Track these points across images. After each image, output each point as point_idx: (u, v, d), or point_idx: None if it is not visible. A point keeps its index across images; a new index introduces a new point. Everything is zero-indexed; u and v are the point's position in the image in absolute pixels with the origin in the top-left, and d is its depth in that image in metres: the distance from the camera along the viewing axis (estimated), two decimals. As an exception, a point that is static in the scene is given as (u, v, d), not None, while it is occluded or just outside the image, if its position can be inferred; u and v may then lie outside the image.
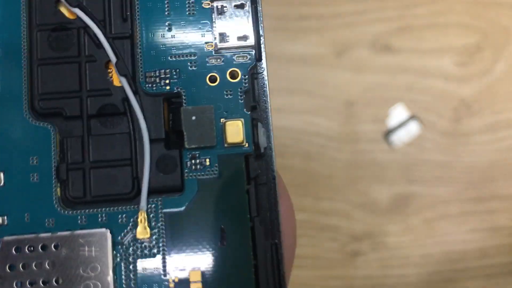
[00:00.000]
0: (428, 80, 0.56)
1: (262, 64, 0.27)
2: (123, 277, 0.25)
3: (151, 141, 0.26)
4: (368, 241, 0.56)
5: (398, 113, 0.55)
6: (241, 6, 0.27)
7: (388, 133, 0.55)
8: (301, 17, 0.57)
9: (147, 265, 0.25)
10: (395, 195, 0.56)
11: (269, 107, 0.27)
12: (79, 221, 0.25)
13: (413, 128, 0.55)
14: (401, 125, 0.55)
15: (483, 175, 0.55)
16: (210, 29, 0.27)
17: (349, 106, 0.56)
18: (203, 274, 0.25)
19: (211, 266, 0.25)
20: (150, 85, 0.26)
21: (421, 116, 0.55)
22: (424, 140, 0.56)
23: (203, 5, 0.27)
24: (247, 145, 0.26)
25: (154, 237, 0.25)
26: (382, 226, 0.57)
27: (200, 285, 0.25)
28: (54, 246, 0.25)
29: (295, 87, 0.59)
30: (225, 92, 0.26)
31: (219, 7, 0.27)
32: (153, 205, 0.26)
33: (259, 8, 0.27)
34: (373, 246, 0.56)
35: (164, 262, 0.25)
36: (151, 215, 0.25)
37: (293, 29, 0.58)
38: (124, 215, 0.25)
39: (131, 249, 0.25)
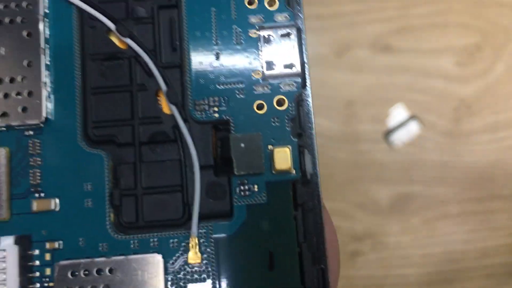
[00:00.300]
0: (428, 80, 0.56)
1: (307, 91, 0.27)
2: (174, 300, 0.26)
3: (201, 168, 0.26)
4: (368, 241, 0.56)
5: (398, 113, 0.55)
6: (287, 35, 0.27)
7: (388, 133, 0.55)
8: (300, 17, 0.57)
9: (198, 289, 0.26)
10: (395, 195, 0.56)
11: (314, 134, 0.27)
12: (131, 246, 0.26)
13: (413, 128, 0.55)
14: (401, 125, 0.55)
15: (483, 175, 0.55)
16: (257, 58, 0.27)
17: (349, 106, 0.56)
18: (252, 298, 0.26)
19: (260, 290, 0.26)
20: (199, 112, 0.27)
21: (421, 116, 0.55)
22: (424, 140, 0.55)
23: (250, 34, 0.27)
24: (294, 172, 0.26)
25: (204, 261, 0.26)
26: (382, 226, 0.57)
27: (249, 309, 0.25)
28: (109, 270, 0.25)
29: (294, 87, 0.59)
30: (272, 119, 0.27)
31: (266, 36, 0.27)
32: (203, 231, 0.26)
33: (303, 37, 0.28)
34: (373, 246, 0.56)
35: (214, 286, 0.26)
36: (201, 240, 0.26)
37: (293, 28, 0.58)
38: (175, 240, 0.26)
39: (182, 273, 0.26)
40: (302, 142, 0.27)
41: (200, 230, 0.26)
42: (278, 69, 0.27)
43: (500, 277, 0.55)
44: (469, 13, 0.56)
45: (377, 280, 0.55)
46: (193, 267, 0.26)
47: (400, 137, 0.54)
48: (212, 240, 0.26)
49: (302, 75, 0.27)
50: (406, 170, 0.55)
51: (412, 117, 0.54)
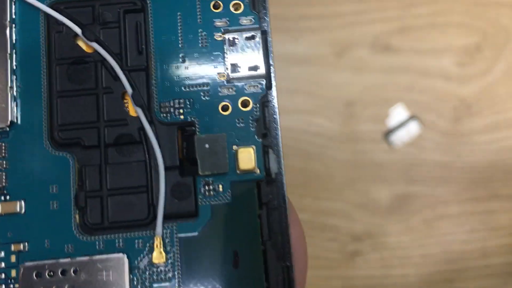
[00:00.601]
0: (428, 80, 0.56)
1: (272, 92, 0.28)
2: (140, 301, 0.25)
3: (166, 168, 0.27)
4: (368, 241, 0.56)
5: (398, 113, 0.55)
6: (251, 38, 0.28)
7: (388, 133, 0.55)
8: (301, 17, 0.57)
9: (163, 289, 0.26)
10: (395, 195, 0.56)
11: (279, 134, 0.28)
12: (97, 247, 0.26)
13: (413, 128, 0.55)
14: (401, 125, 0.55)
15: (483, 175, 0.55)
16: (222, 60, 0.28)
17: (349, 106, 0.56)
18: (217, 297, 0.25)
19: (225, 289, 0.26)
20: (164, 114, 0.27)
21: (421, 116, 0.55)
22: (424, 140, 0.55)
23: (215, 37, 0.28)
24: (258, 171, 0.27)
25: (169, 261, 0.26)
26: (382, 226, 0.56)
27: (214, 308, 0.25)
28: (73, 271, 0.25)
29: (295, 87, 0.59)
30: (237, 120, 0.27)
31: (231, 39, 0.28)
32: (168, 230, 0.26)
33: (269, 39, 0.28)
34: (373, 246, 0.56)
35: (179, 286, 0.26)
36: (166, 240, 0.26)
37: (293, 29, 0.58)
38: (140, 240, 0.26)
39: (147, 273, 0.26)
40: (267, 142, 0.27)
41: (165, 230, 0.26)
42: (243, 71, 0.27)
43: (500, 277, 0.55)
44: (469, 13, 0.56)
45: (377, 280, 0.55)
46: (158, 267, 0.26)
47: (400, 137, 0.54)
48: (177, 240, 0.26)
49: (268, 76, 0.28)
50: (406, 170, 0.55)
51: (412, 117, 0.54)
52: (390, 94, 0.56)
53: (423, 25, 0.56)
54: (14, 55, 0.27)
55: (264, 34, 0.28)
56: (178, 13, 0.28)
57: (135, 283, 0.26)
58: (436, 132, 0.55)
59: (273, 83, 0.28)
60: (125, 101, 0.27)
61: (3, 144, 0.27)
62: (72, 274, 0.25)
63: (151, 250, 0.26)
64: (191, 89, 0.27)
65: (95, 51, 0.27)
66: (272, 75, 0.28)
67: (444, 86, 0.55)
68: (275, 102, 0.28)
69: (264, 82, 0.28)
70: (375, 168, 0.55)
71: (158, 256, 0.26)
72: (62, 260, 0.25)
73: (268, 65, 0.28)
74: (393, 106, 0.55)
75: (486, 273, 0.55)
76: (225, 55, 0.28)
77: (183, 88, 0.27)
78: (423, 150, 0.55)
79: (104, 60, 0.27)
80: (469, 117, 0.55)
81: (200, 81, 0.27)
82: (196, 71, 0.27)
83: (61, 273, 0.25)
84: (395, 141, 0.54)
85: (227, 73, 0.27)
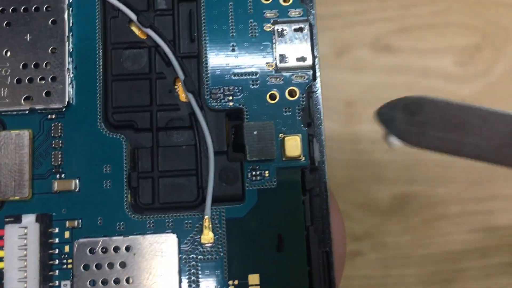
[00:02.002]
0: (428, 80, 0.55)
1: (317, 83, 0.28)
2: (187, 279, 0.26)
3: (215, 153, 0.27)
4: (368, 241, 0.56)
5: None
6: (299, 30, 0.28)
7: (388, 133, 0.54)
8: (300, 17, 0.56)
9: (210, 268, 0.26)
10: (395, 195, 0.55)
11: (323, 124, 0.28)
12: (147, 226, 0.26)
13: None
14: None
15: (483, 175, 0.55)
16: (271, 50, 0.28)
17: (349, 106, 0.55)
18: (261, 278, 0.26)
19: (268, 270, 0.26)
20: (214, 101, 0.27)
21: None
22: None
23: (264, 28, 0.28)
24: (303, 159, 0.27)
25: (216, 242, 0.26)
26: (382, 226, 0.56)
27: (258, 288, 0.26)
28: (125, 248, 0.26)
29: (294, 87, 0.58)
30: (284, 109, 0.27)
31: (280, 30, 0.28)
32: (216, 213, 0.26)
33: (315, 32, 0.28)
34: (373, 246, 0.56)
35: (225, 265, 0.26)
36: (214, 222, 0.26)
37: (293, 28, 0.58)
38: (189, 221, 0.26)
39: (195, 253, 0.26)
40: (311, 131, 0.27)
41: (213, 212, 0.26)
42: (291, 62, 0.27)
43: (500, 277, 0.55)
44: (469, 13, 0.55)
45: (377, 280, 0.55)
46: (205, 247, 0.26)
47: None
48: (224, 222, 0.26)
49: (313, 68, 0.28)
50: (406, 170, 0.54)
51: None
52: (390, 94, 0.55)
53: (423, 25, 0.56)
54: (71, 38, 0.27)
55: (311, 26, 0.28)
56: (230, 3, 0.28)
57: (183, 262, 0.26)
58: None
59: (318, 74, 0.28)
60: (176, 86, 0.28)
61: (60, 124, 0.27)
62: (124, 251, 0.26)
63: (200, 231, 0.26)
64: (241, 77, 0.27)
65: (149, 37, 0.27)
66: (317, 66, 0.28)
67: (444, 86, 0.55)
68: (319, 93, 0.28)
69: (310, 73, 0.28)
70: (375, 168, 0.55)
71: (207, 237, 0.26)
72: (115, 238, 0.26)
73: (314, 57, 0.28)
74: None
75: (486, 273, 0.55)
76: (274, 45, 0.28)
77: (232, 76, 0.27)
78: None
79: (157, 46, 0.27)
80: None
81: (249, 69, 0.27)
82: (246, 60, 0.27)
83: (113, 249, 0.26)
84: (395, 141, 0.54)
85: (276, 63, 0.27)
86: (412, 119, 0.23)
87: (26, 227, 0.26)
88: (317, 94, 0.28)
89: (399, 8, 0.55)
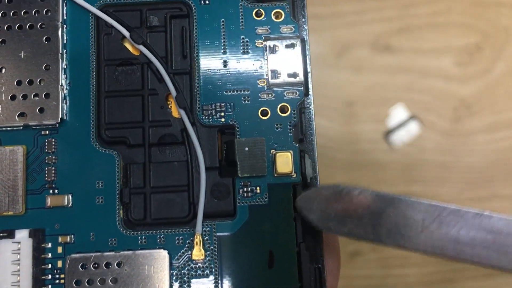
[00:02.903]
0: (428, 80, 0.54)
1: (309, 98, 0.27)
2: (178, 294, 0.25)
3: (206, 169, 0.26)
4: None
5: (398, 113, 0.54)
6: (291, 46, 0.27)
7: (388, 133, 0.54)
8: (300, 17, 0.56)
9: (201, 284, 0.26)
10: None
11: (315, 140, 0.27)
12: (139, 241, 0.26)
13: (413, 128, 0.54)
14: (401, 125, 0.54)
15: (482, 175, 0.54)
16: (263, 66, 0.27)
17: (349, 106, 0.55)
18: (252, 294, 0.25)
19: (259, 287, 0.26)
20: (206, 117, 0.27)
21: (421, 116, 0.54)
22: (424, 140, 0.54)
23: (256, 44, 0.27)
24: (295, 175, 0.26)
25: (207, 258, 0.26)
26: None
27: (249, 304, 0.25)
28: (117, 264, 0.25)
29: (295, 87, 0.58)
30: (275, 125, 0.27)
31: (271, 46, 0.27)
32: (207, 229, 0.26)
33: (307, 47, 0.28)
34: (373, 246, 0.55)
35: (216, 282, 0.26)
36: (205, 238, 0.26)
37: (293, 29, 0.57)
38: (180, 237, 0.26)
39: (186, 269, 0.26)
40: (303, 147, 0.27)
41: (204, 228, 0.26)
42: (283, 78, 0.27)
43: (500, 277, 0.54)
44: (469, 13, 0.55)
45: (377, 280, 0.54)
46: (197, 263, 0.26)
47: (400, 137, 0.53)
48: (215, 238, 0.26)
49: (305, 83, 0.27)
50: (406, 170, 0.53)
51: (412, 117, 0.53)
52: (390, 94, 0.54)
53: (423, 25, 0.55)
54: (64, 55, 0.27)
55: (303, 42, 0.28)
56: (222, 20, 0.28)
57: (174, 278, 0.26)
58: (436, 132, 0.54)
59: (310, 90, 0.27)
60: (168, 102, 0.27)
61: (53, 140, 0.27)
62: (116, 266, 0.25)
63: (191, 247, 0.26)
64: (233, 93, 0.27)
65: (142, 54, 0.27)
66: (310, 82, 0.27)
67: (444, 86, 0.54)
68: (311, 108, 0.27)
69: (301, 89, 0.27)
70: (375, 168, 0.54)
71: (198, 253, 0.26)
72: (106, 253, 0.25)
73: (306, 73, 0.27)
74: (393, 106, 0.54)
75: (486, 273, 0.54)
76: (266, 61, 0.27)
77: (224, 92, 0.27)
78: (423, 150, 0.54)
79: (150, 62, 0.27)
80: (469, 117, 0.54)
81: (241, 86, 0.27)
82: (238, 76, 0.27)
83: (105, 265, 0.25)
84: (395, 141, 0.53)
85: (267, 79, 0.27)
86: (331, 209, 0.23)
87: (19, 242, 0.26)
88: (309, 110, 0.27)
89: (399, 8, 0.55)
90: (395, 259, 0.54)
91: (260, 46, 0.27)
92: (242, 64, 0.27)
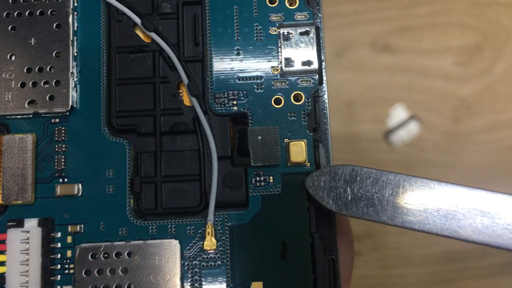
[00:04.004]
0: (428, 80, 0.53)
1: (323, 87, 0.26)
2: (189, 285, 0.24)
3: (219, 158, 0.25)
4: (368, 241, 0.54)
5: (398, 113, 0.53)
6: (306, 33, 0.26)
7: (388, 133, 0.53)
8: (300, 17, 0.55)
9: (212, 275, 0.25)
10: None
11: (329, 129, 0.26)
12: (150, 231, 0.25)
13: (413, 128, 0.53)
14: (401, 125, 0.53)
15: (483, 175, 0.53)
16: (276, 54, 0.26)
17: (349, 106, 0.54)
18: (264, 285, 0.25)
19: (272, 278, 0.25)
20: (218, 105, 0.26)
21: (421, 116, 0.53)
22: (424, 140, 0.53)
23: (270, 31, 0.26)
24: (308, 165, 0.25)
25: (219, 248, 0.25)
26: (382, 226, 0.55)
27: (262, 296, 0.24)
28: (127, 254, 0.24)
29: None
30: (289, 114, 0.26)
31: (285, 33, 0.26)
32: (219, 219, 0.25)
33: (321, 35, 0.27)
34: (373, 246, 0.54)
35: (227, 273, 0.25)
36: (217, 228, 0.25)
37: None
38: (192, 227, 0.25)
39: (197, 259, 0.25)
40: (317, 136, 0.26)
41: (216, 218, 0.25)
42: (296, 66, 0.26)
43: (500, 277, 0.53)
44: (469, 13, 0.54)
45: (377, 280, 0.53)
46: (208, 254, 0.25)
47: (400, 137, 0.53)
48: (227, 228, 0.25)
49: (319, 72, 0.26)
50: (406, 170, 0.53)
51: (412, 117, 0.53)
52: (390, 94, 0.54)
53: (423, 25, 0.54)
54: (75, 42, 0.26)
55: (318, 30, 0.27)
56: (235, 7, 0.27)
57: (185, 268, 0.25)
58: (436, 132, 0.53)
59: (324, 78, 0.26)
60: (180, 90, 0.26)
61: (63, 128, 0.26)
62: (126, 256, 0.24)
63: (202, 237, 0.25)
64: (245, 81, 0.26)
65: (153, 41, 0.26)
66: (324, 70, 0.26)
67: (444, 86, 0.53)
68: (325, 97, 0.26)
69: (316, 77, 0.26)
70: (375, 168, 0.54)
71: (209, 243, 0.25)
72: (117, 243, 0.25)
73: (320, 61, 0.26)
74: (393, 106, 0.53)
75: (486, 273, 0.53)
76: (279, 49, 0.26)
77: (237, 80, 0.26)
78: (423, 150, 0.53)
79: (161, 50, 0.26)
80: (469, 117, 0.53)
81: (254, 74, 0.26)
82: (251, 64, 0.26)
83: (115, 255, 0.24)
84: (395, 141, 0.52)
85: (281, 67, 0.26)
86: (342, 188, 0.22)
87: (28, 232, 0.25)
88: (323, 99, 0.26)
89: (399, 8, 0.54)
90: (395, 259, 0.54)
91: (274, 33, 0.26)
92: (255, 51, 0.26)
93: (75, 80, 0.26)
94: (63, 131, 0.26)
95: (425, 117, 0.53)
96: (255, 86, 0.26)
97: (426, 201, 0.23)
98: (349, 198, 0.23)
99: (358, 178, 0.23)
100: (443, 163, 0.53)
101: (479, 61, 0.54)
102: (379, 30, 0.54)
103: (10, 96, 0.26)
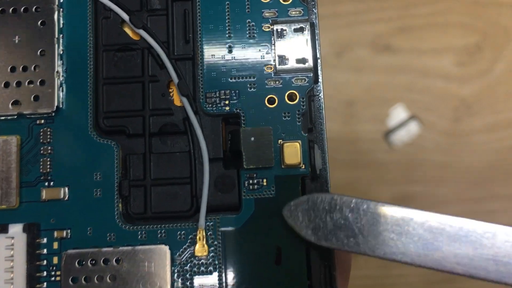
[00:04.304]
0: (428, 80, 0.53)
1: (319, 86, 0.25)
2: (180, 292, 0.24)
3: (210, 160, 0.24)
4: None
5: (398, 113, 0.53)
6: (300, 30, 0.25)
7: (388, 133, 0.52)
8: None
9: (204, 282, 0.24)
10: (395, 195, 0.53)
11: (325, 129, 0.25)
12: (139, 237, 0.24)
13: (413, 128, 0.52)
14: (401, 125, 0.52)
15: (483, 175, 0.52)
16: (270, 52, 0.25)
17: (349, 106, 0.53)
18: (258, 292, 0.23)
19: (266, 285, 0.24)
20: (210, 105, 0.25)
21: (421, 116, 0.52)
22: (424, 140, 0.53)
23: (263, 28, 0.25)
24: (303, 167, 0.24)
25: (211, 254, 0.24)
26: None
27: (255, 303, 0.23)
28: (116, 260, 0.23)
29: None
30: (283, 114, 0.25)
31: (279, 30, 0.25)
32: (211, 223, 0.24)
33: (316, 31, 0.26)
34: None
35: (220, 279, 0.24)
36: (208, 233, 0.24)
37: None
38: (182, 232, 0.24)
39: (188, 265, 0.24)
40: (313, 137, 0.25)
41: (208, 223, 0.24)
42: (291, 64, 0.25)
43: None
44: (469, 13, 0.54)
45: (377, 280, 0.53)
46: (200, 260, 0.24)
47: (400, 137, 0.52)
48: (220, 233, 0.24)
49: (315, 70, 0.25)
50: (406, 170, 0.52)
51: (412, 117, 0.52)
52: (390, 94, 0.53)
53: (423, 25, 0.54)
54: (61, 40, 0.25)
55: (313, 26, 0.26)
56: (227, 2, 0.25)
57: (176, 275, 0.24)
58: (436, 132, 0.52)
59: (320, 77, 0.25)
60: (170, 90, 0.25)
61: (48, 130, 0.25)
62: (114, 263, 0.23)
63: (193, 243, 0.24)
64: (238, 80, 0.25)
65: (142, 39, 0.25)
66: (319, 68, 0.25)
67: (444, 86, 0.53)
68: (321, 96, 0.25)
69: (311, 75, 0.25)
70: (375, 168, 0.53)
71: (201, 249, 0.24)
72: (104, 249, 0.24)
73: (315, 58, 0.25)
74: (393, 106, 0.53)
75: None
76: (273, 46, 0.25)
77: (229, 79, 0.25)
78: (423, 150, 0.53)
79: (150, 48, 0.25)
80: (469, 117, 0.53)
81: (246, 72, 0.25)
82: (243, 62, 0.25)
83: (103, 261, 0.23)
84: (395, 141, 0.52)
85: (275, 65, 0.25)
86: (321, 218, 0.21)
87: (13, 237, 0.24)
88: (319, 98, 0.25)
89: (399, 8, 0.53)
90: (395, 259, 0.53)
91: (267, 30, 0.25)
92: (248, 49, 0.25)
93: (61, 79, 0.25)
94: (48, 133, 0.25)
95: (425, 117, 0.52)
96: (248, 85, 0.25)
97: (408, 231, 0.22)
98: (329, 228, 0.22)
99: (338, 207, 0.22)
100: (443, 163, 0.52)
101: (479, 61, 0.53)
102: (379, 30, 0.54)
103: (-7, 97, 0.25)
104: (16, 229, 0.24)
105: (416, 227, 0.22)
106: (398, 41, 0.53)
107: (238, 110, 0.25)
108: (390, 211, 0.22)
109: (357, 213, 0.22)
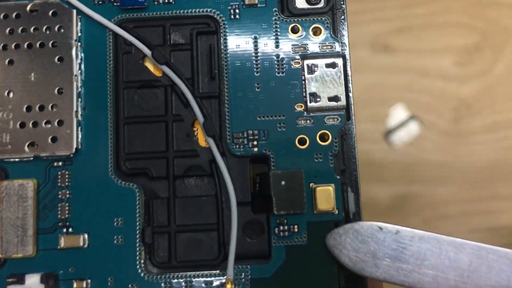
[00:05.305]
0: (428, 80, 0.53)
1: (351, 123, 0.24)
2: None
3: (238, 204, 0.23)
4: None
5: (398, 113, 0.52)
6: (332, 65, 0.23)
7: (388, 133, 0.51)
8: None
9: (232, 334, 0.22)
10: (395, 195, 0.52)
11: (358, 169, 0.23)
12: (163, 287, 0.22)
13: (413, 128, 0.51)
14: (401, 125, 0.51)
15: (483, 175, 0.52)
16: (300, 89, 0.23)
17: None
18: None
19: (298, 338, 0.22)
20: (237, 146, 0.23)
21: (421, 116, 0.52)
22: (424, 140, 0.52)
23: (292, 64, 0.23)
24: (337, 212, 0.23)
25: (240, 306, 0.22)
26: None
27: None
28: (139, 314, 0.22)
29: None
30: (315, 155, 0.23)
31: (310, 65, 0.23)
32: (239, 272, 0.22)
33: (348, 65, 0.24)
34: None
35: (249, 332, 0.22)
36: (237, 283, 0.22)
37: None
38: (210, 281, 0.22)
39: (216, 317, 0.22)
40: (345, 179, 0.23)
41: (236, 272, 0.22)
42: (323, 102, 0.23)
43: None
44: (468, 13, 0.53)
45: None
46: (228, 312, 0.22)
47: (400, 137, 0.51)
48: (249, 283, 0.22)
49: (347, 108, 0.23)
50: (406, 170, 0.52)
51: (412, 117, 0.51)
52: (389, 94, 0.53)
53: (423, 25, 0.53)
54: (79, 77, 0.23)
55: (344, 59, 0.24)
56: (254, 36, 0.24)
57: (203, 328, 0.22)
58: (436, 132, 0.52)
59: (352, 113, 0.24)
60: (195, 129, 0.23)
61: (67, 172, 0.23)
62: (137, 316, 0.22)
63: (221, 294, 0.22)
64: (266, 119, 0.23)
65: (165, 75, 0.23)
66: (351, 105, 0.24)
67: (443, 86, 0.52)
68: (353, 133, 0.24)
69: (343, 113, 0.23)
70: (375, 168, 0.52)
71: (229, 301, 0.22)
72: (127, 302, 0.22)
73: (348, 95, 0.24)
74: (393, 106, 0.52)
75: None
76: (303, 83, 0.23)
77: (257, 118, 0.23)
78: (423, 150, 0.52)
79: (174, 85, 0.23)
80: (469, 117, 0.52)
81: (276, 111, 0.23)
82: (272, 100, 0.23)
83: (125, 315, 0.22)
84: (395, 141, 0.51)
85: (305, 103, 0.23)
86: (363, 248, 0.21)
87: (30, 288, 0.22)
88: (351, 136, 0.24)
89: (399, 8, 0.53)
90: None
91: (297, 66, 0.24)
92: (277, 86, 0.24)
93: (80, 119, 0.23)
94: (66, 176, 0.23)
95: (425, 117, 0.52)
96: (278, 125, 0.23)
97: (461, 260, 0.21)
98: (375, 259, 0.21)
99: (382, 237, 0.21)
100: (443, 163, 0.51)
101: (479, 61, 0.53)
102: (379, 30, 0.54)
103: (8, 138, 0.23)
104: (33, 280, 0.22)
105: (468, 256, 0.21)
106: (397, 41, 0.53)
107: (267, 151, 0.23)
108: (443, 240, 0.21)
109: (403, 242, 0.21)
